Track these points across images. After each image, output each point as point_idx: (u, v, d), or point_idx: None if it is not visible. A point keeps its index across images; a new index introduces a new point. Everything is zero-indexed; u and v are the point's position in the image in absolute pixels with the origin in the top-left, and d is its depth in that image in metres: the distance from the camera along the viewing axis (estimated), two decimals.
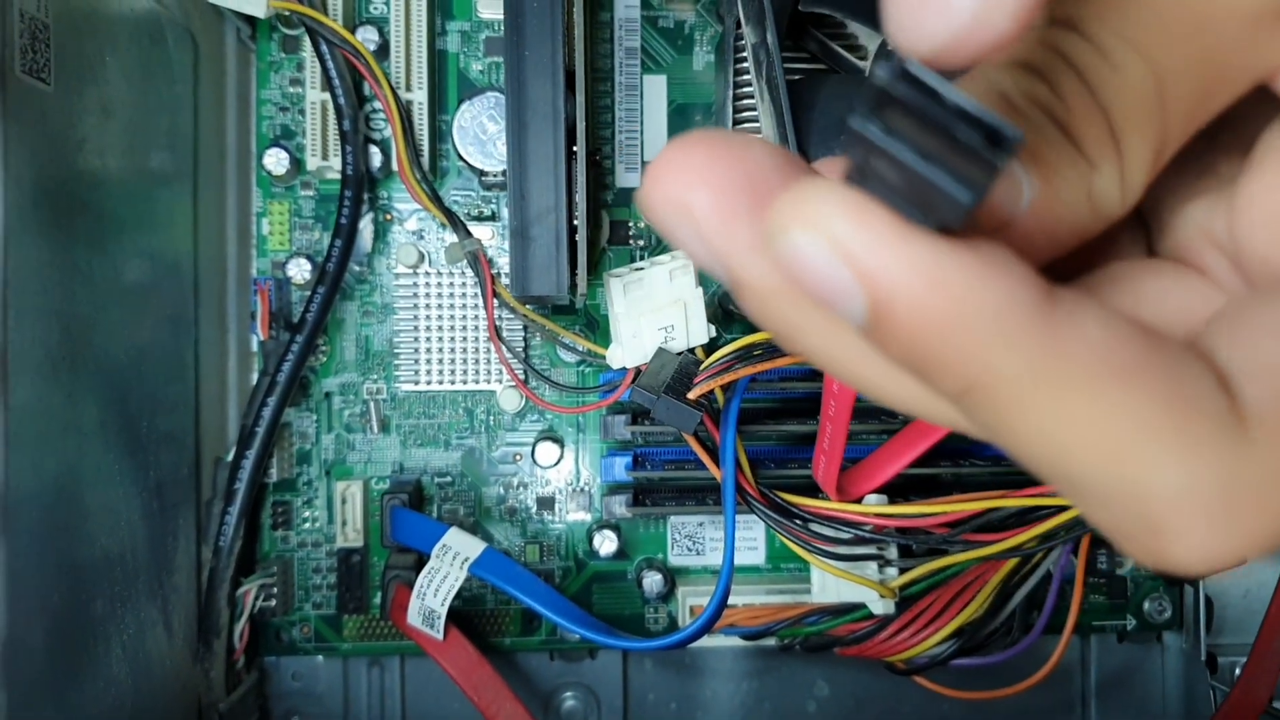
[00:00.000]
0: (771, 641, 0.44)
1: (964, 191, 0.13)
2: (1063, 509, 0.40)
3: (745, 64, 0.38)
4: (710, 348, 0.40)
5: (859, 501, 0.39)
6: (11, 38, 0.27)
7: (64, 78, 0.31)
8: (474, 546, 0.39)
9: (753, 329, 0.40)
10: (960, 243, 0.14)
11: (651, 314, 0.39)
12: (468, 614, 0.46)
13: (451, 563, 0.39)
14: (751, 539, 0.48)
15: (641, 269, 0.39)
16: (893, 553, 0.41)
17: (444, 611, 0.39)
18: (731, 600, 0.44)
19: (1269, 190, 0.16)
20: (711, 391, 0.39)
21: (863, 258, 0.14)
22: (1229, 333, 0.15)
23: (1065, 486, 0.15)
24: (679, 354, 0.39)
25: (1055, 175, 0.15)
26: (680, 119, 0.46)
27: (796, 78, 0.36)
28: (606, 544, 0.46)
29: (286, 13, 0.42)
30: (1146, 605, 0.49)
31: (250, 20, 0.45)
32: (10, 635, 0.27)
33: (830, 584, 0.42)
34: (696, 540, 0.47)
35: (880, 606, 0.41)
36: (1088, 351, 0.14)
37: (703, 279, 0.40)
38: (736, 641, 0.44)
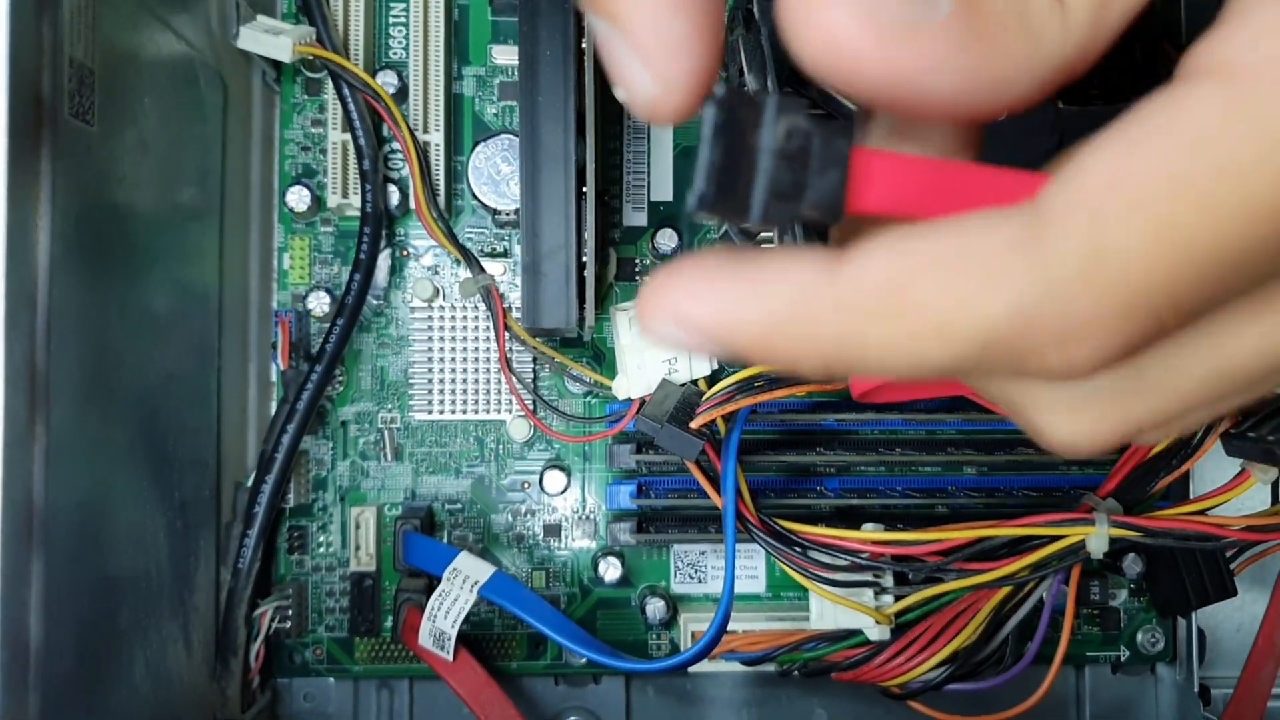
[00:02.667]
0: (771, 668, 0.45)
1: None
2: (1054, 539, 0.41)
3: None
4: (712, 380, 0.41)
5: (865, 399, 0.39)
6: (62, 83, 0.29)
7: (106, 119, 0.33)
8: (483, 570, 0.41)
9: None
10: (747, 271, 0.18)
11: (656, 346, 0.41)
12: (476, 638, 0.47)
13: (462, 586, 0.40)
14: (752, 568, 0.49)
15: None
16: (889, 580, 0.43)
17: (454, 633, 0.40)
18: (732, 627, 0.45)
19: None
20: (713, 422, 0.40)
21: (691, 323, 0.18)
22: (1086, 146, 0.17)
23: (963, 384, 0.18)
24: (682, 385, 0.41)
25: None
26: (685, 161, 0.48)
27: None
28: (611, 570, 0.47)
29: (310, 57, 0.44)
30: (1139, 636, 0.50)
31: (276, 64, 0.47)
32: (45, 642, 0.28)
33: (828, 611, 0.43)
34: (698, 569, 0.49)
35: (876, 633, 0.42)
36: (877, 280, 0.17)
37: None
38: (737, 668, 0.46)
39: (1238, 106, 0.15)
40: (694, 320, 0.18)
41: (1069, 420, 0.20)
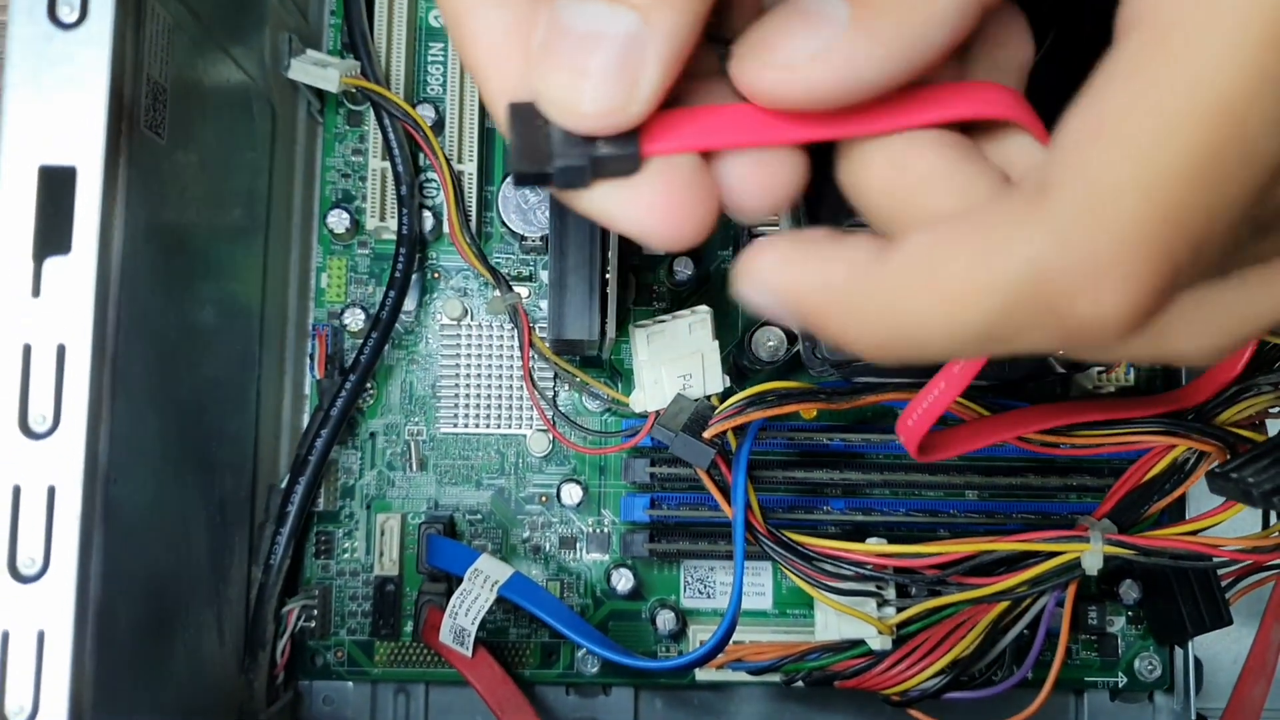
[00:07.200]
0: (777, 678, 0.47)
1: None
2: (1051, 555, 0.43)
3: None
4: (724, 396, 0.44)
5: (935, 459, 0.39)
6: (139, 96, 0.32)
7: (173, 135, 0.36)
8: (503, 571, 0.43)
9: (763, 382, 0.44)
10: (816, 248, 0.21)
11: (672, 362, 0.43)
12: (492, 644, 0.49)
13: (482, 585, 0.42)
14: (759, 585, 0.51)
15: (664, 321, 0.43)
16: (891, 592, 0.44)
17: (474, 630, 0.42)
18: (740, 639, 0.47)
19: None
20: (725, 435, 0.42)
21: (767, 288, 0.21)
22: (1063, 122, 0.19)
23: (1000, 341, 0.20)
24: (696, 400, 0.43)
25: None
26: None
27: None
28: (623, 581, 0.49)
29: (354, 90, 0.47)
30: (1137, 664, 0.52)
31: (320, 96, 0.50)
32: (102, 610, 0.30)
33: (833, 622, 0.45)
34: (707, 584, 0.50)
35: (879, 643, 0.44)
36: (912, 258, 0.20)
37: (719, 333, 0.44)
38: (744, 678, 0.47)
39: (1155, 47, 0.18)
40: (769, 285, 0.21)
41: (1196, 337, 0.21)
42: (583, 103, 0.19)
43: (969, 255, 0.19)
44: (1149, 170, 0.18)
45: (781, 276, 0.21)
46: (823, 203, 0.40)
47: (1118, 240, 0.18)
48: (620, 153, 0.20)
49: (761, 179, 0.22)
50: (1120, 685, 0.52)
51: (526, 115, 0.20)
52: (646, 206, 0.21)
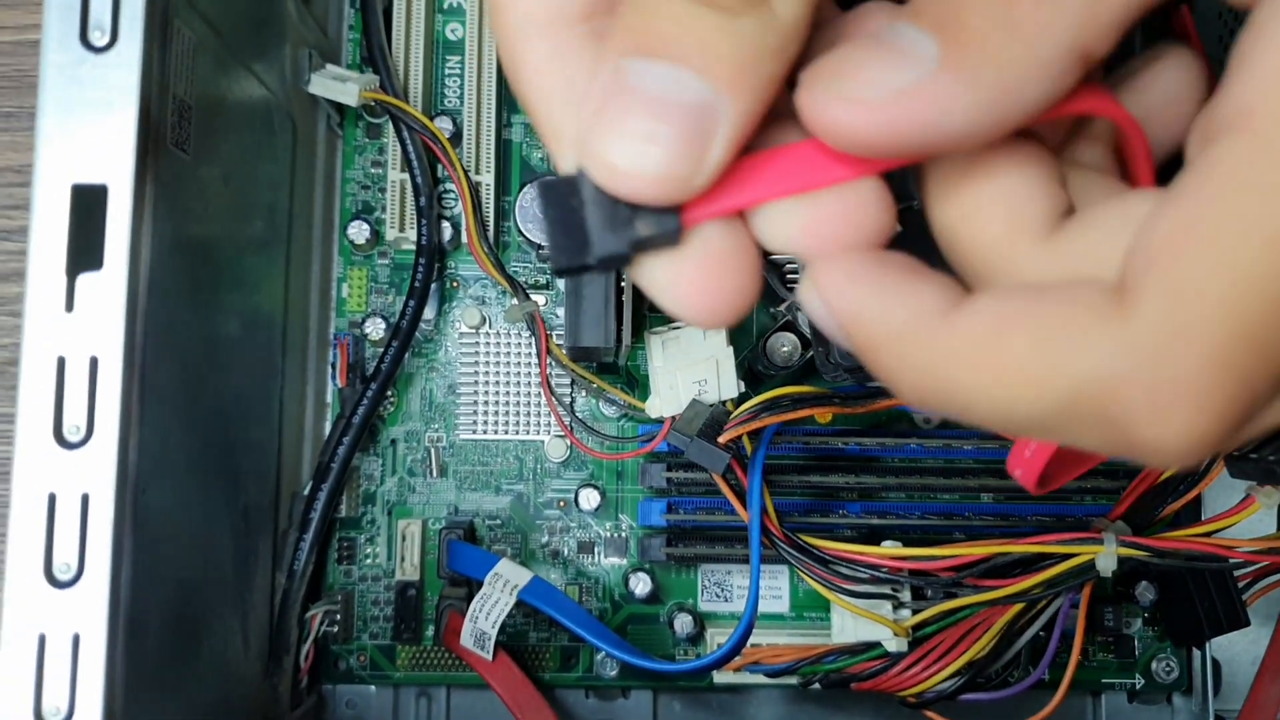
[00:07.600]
0: (794, 681, 0.47)
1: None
2: (1065, 557, 0.43)
3: None
4: (739, 402, 0.44)
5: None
6: (165, 115, 0.33)
7: (198, 150, 0.37)
8: (523, 575, 0.44)
9: (778, 386, 0.44)
10: (890, 280, 0.19)
11: (687, 368, 0.44)
12: (512, 648, 0.49)
13: (502, 589, 0.43)
14: (776, 588, 0.51)
15: (679, 328, 0.44)
16: (906, 595, 0.45)
17: (494, 633, 0.43)
18: (757, 642, 0.48)
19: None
20: (740, 439, 0.43)
21: (828, 302, 0.20)
22: (1145, 221, 0.18)
23: (1047, 432, 0.19)
24: (711, 405, 0.44)
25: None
26: None
27: None
28: (641, 585, 0.49)
29: (372, 104, 0.48)
30: (1154, 665, 0.52)
31: (340, 110, 0.51)
32: (134, 614, 0.31)
33: (849, 625, 0.45)
34: (725, 588, 0.51)
35: (894, 644, 0.44)
36: (977, 329, 0.18)
37: (733, 338, 0.45)
38: (761, 680, 0.47)
39: (1263, 153, 0.17)
40: (828, 298, 0.20)
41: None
42: (645, 169, 0.18)
43: (1037, 343, 0.18)
44: (1240, 289, 0.16)
45: (843, 295, 0.19)
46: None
47: (1197, 367, 0.16)
48: (661, 229, 0.19)
49: (805, 225, 0.20)
50: (1138, 687, 0.52)
51: (559, 194, 0.19)
52: (690, 285, 0.19)
